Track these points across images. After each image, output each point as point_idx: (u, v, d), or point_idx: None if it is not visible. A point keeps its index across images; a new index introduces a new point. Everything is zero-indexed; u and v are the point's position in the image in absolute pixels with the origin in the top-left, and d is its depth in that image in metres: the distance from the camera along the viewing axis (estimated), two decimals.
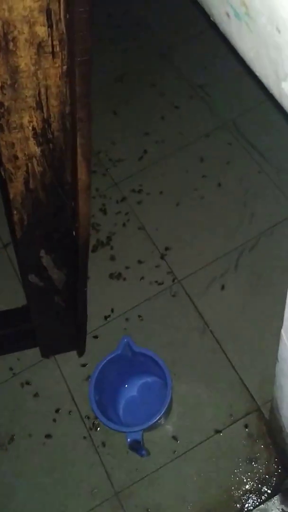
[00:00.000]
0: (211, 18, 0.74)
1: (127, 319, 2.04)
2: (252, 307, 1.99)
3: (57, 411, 1.89)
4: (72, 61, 0.96)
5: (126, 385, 1.87)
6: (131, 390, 1.87)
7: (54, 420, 1.88)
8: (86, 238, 1.35)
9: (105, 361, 1.70)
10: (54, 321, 1.74)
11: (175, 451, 1.78)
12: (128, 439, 1.62)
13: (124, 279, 2.11)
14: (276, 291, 2.00)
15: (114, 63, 2.65)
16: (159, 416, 1.60)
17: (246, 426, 1.77)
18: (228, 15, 0.67)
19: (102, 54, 2.68)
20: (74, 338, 1.90)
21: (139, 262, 2.13)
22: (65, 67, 0.99)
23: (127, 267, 2.13)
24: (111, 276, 2.13)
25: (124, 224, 2.22)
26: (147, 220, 2.22)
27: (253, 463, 1.73)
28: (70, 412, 1.89)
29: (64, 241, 1.39)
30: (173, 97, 2.49)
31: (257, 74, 0.68)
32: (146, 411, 1.74)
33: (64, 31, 0.96)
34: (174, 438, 1.79)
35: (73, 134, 1.07)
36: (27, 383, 1.96)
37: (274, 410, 1.54)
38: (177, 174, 2.30)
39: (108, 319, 2.05)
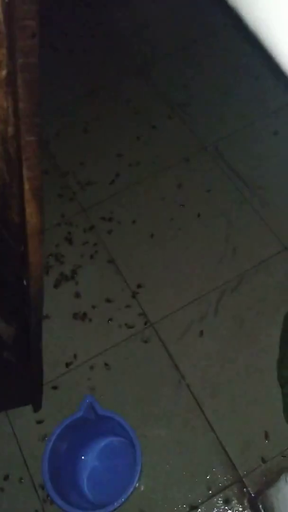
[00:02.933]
0: None
1: (91, 367, 1.78)
2: (233, 357, 1.75)
3: (5, 478, 1.62)
4: (13, 64, 0.70)
5: (89, 450, 1.61)
6: (95, 456, 1.61)
7: (2, 489, 1.60)
8: (39, 289, 1.10)
9: (62, 426, 1.43)
10: (4, 376, 1.47)
11: None
12: None
13: (90, 320, 1.86)
14: (261, 338, 1.78)
15: (85, 75, 2.41)
16: (123, 499, 1.34)
17: (226, 502, 1.53)
18: None
19: (72, 66, 2.44)
20: (28, 391, 1.63)
21: (107, 300, 1.88)
22: (4, 72, 0.73)
23: (93, 306, 1.88)
24: (75, 316, 1.87)
25: (91, 256, 1.97)
26: (118, 252, 1.97)
27: None
28: (21, 479, 1.61)
29: (13, 292, 1.13)
30: (149, 115, 2.25)
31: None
32: (113, 481, 1.49)
33: (2, 20, 0.70)
34: None
35: (19, 165, 0.82)
36: None
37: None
38: (153, 201, 2.06)
39: (70, 366, 1.79)
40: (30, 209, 0.89)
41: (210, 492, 1.54)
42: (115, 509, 1.35)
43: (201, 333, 1.79)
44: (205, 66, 2.35)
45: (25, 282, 1.11)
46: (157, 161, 2.14)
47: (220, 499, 1.53)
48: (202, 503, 1.53)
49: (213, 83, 2.30)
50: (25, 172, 0.82)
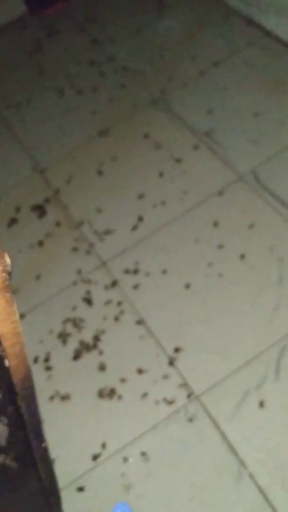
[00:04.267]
0: None
1: (125, 459, 1.40)
2: None
3: None
4: None
5: None
6: None
7: None
8: (23, 370, 0.75)
9: None
10: (5, 486, 1.11)
11: None
12: None
13: (119, 397, 1.50)
14: None
15: (97, 114, 2.14)
16: None
17: None
18: None
19: (81, 107, 2.18)
20: (44, 499, 1.26)
21: (139, 371, 1.52)
22: None
23: (122, 380, 1.52)
24: (100, 393, 1.51)
25: (116, 318, 1.63)
26: (148, 310, 1.63)
27: None
28: None
29: None
30: (172, 148, 1.95)
31: None
32: None
33: None
34: None
35: None
36: None
37: None
38: (185, 245, 1.73)
39: (98, 459, 1.42)
40: None
41: None
42: None
43: (261, 403, 1.41)
44: (231, 88, 2.06)
45: (6, 363, 0.77)
46: (186, 198, 1.82)
47: None
48: None
49: (242, 105, 1.99)
50: None
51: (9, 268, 0.63)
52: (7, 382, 0.80)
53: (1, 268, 0.57)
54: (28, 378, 0.78)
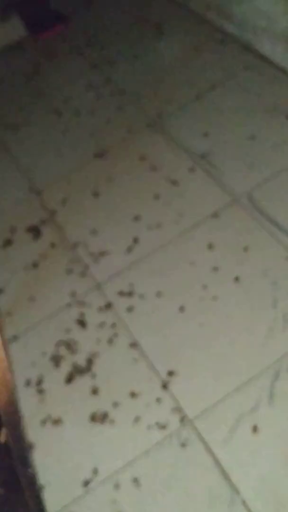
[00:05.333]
0: None
1: (116, 486, 1.38)
2: None
3: None
4: None
5: None
6: None
7: None
8: (7, 395, 0.74)
9: None
10: None
11: None
12: None
13: (112, 421, 1.48)
14: None
15: (94, 136, 2.16)
16: None
17: None
18: None
19: (78, 128, 2.20)
20: None
21: (132, 395, 1.50)
22: None
23: (115, 404, 1.50)
24: (92, 417, 1.49)
25: (110, 341, 1.62)
26: (142, 333, 1.61)
27: None
28: None
29: None
30: (168, 171, 1.96)
31: None
32: None
33: None
34: None
35: None
36: None
37: None
38: (180, 268, 1.72)
39: (89, 485, 1.39)
40: None
41: None
42: None
43: (255, 428, 1.39)
44: (227, 112, 2.07)
45: None
46: (181, 221, 1.82)
47: None
48: None
49: (238, 128, 2.01)
50: None
51: None
52: None
53: None
54: (12, 403, 0.77)
